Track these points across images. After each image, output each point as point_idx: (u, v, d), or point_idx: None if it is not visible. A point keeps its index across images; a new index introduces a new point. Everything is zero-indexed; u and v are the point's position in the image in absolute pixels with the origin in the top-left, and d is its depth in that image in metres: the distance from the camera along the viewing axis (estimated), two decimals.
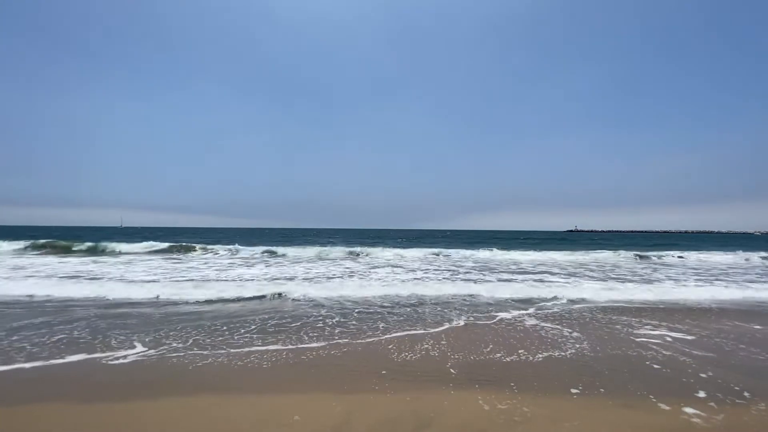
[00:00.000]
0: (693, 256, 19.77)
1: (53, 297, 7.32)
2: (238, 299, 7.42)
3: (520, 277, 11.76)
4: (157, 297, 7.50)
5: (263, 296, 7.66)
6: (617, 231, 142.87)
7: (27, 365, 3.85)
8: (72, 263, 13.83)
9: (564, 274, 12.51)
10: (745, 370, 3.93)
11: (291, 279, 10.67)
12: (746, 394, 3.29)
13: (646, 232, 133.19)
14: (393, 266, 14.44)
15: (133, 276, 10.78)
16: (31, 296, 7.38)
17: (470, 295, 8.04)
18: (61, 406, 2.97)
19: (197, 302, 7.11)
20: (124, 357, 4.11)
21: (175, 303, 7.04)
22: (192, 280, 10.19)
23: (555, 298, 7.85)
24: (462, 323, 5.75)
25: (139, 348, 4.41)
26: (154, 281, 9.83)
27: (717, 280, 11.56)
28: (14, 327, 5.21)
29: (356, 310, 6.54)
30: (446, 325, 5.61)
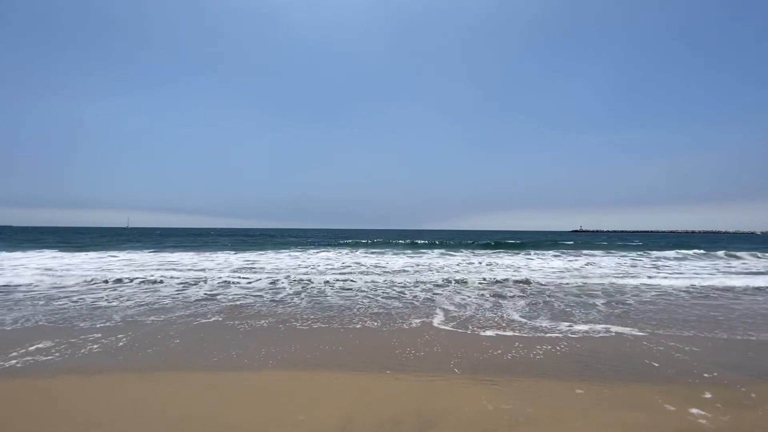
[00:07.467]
0: None
1: None
2: None
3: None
4: None
5: None
6: (622, 231, 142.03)
7: None
8: None
9: None
10: (751, 371, 3.91)
11: None
12: (753, 395, 3.27)
13: (650, 232, 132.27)
14: None
15: None
16: None
17: None
18: None
19: None
20: None
21: None
22: None
23: None
24: None
25: None
26: None
27: None
28: None
29: None
30: None
